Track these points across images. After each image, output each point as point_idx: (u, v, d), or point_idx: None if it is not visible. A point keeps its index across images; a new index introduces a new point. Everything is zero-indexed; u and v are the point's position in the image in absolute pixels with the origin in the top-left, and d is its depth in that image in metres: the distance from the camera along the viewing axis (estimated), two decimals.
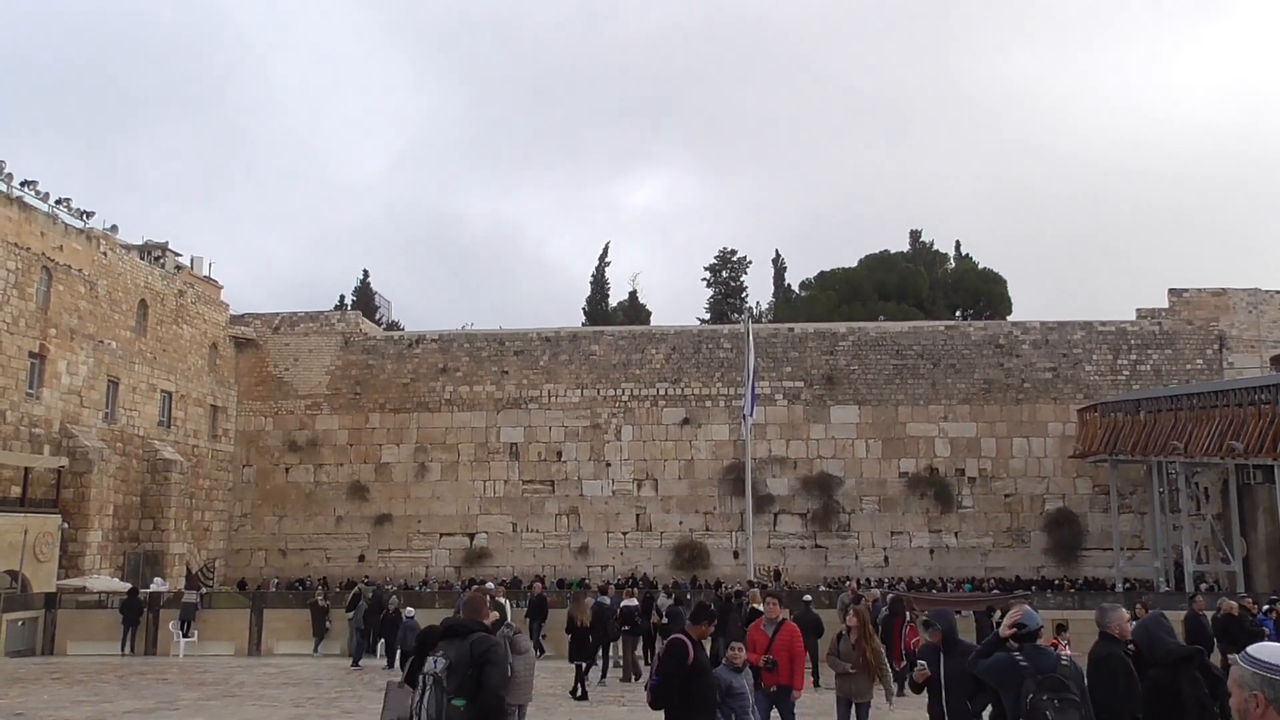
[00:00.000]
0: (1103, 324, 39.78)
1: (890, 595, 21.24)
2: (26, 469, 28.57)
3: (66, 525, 29.37)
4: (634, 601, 20.15)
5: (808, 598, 21.79)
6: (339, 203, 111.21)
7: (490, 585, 24.00)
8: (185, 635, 24.57)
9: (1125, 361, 39.18)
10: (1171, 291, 40.02)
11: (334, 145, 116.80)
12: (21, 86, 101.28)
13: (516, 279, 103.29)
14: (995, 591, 31.32)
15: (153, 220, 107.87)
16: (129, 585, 27.91)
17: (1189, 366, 38.84)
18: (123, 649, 24.51)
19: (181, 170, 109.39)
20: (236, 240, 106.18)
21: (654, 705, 7.37)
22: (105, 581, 29.38)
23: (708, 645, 22.79)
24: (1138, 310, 40.20)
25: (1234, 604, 16.86)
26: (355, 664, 21.78)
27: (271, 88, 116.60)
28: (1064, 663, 5.80)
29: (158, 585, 30.06)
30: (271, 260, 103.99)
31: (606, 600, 20.33)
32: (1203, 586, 30.47)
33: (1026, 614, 6.20)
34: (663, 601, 22.52)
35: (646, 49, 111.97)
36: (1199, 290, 39.88)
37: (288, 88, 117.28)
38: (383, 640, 22.29)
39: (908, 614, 17.92)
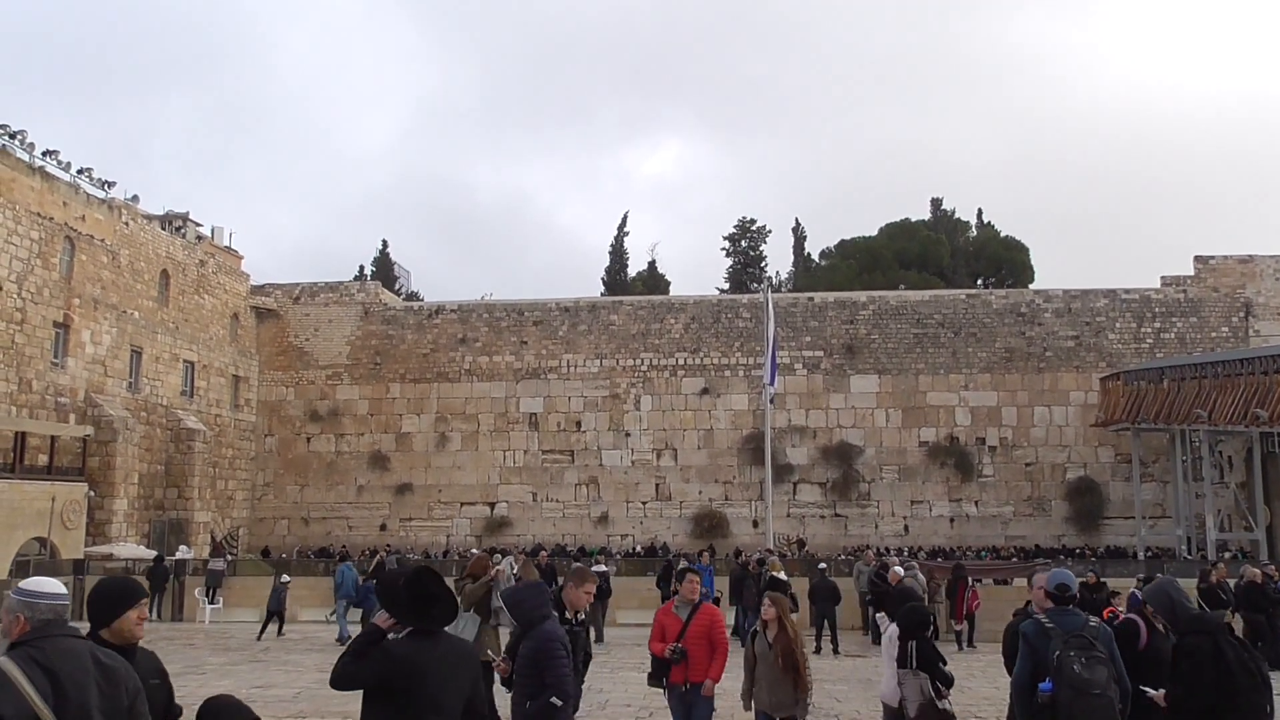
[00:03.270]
0: (1127, 292, 39.33)
1: (954, 563, 22.99)
2: (53, 437, 28.94)
3: (93, 493, 29.78)
4: (603, 568, 21.22)
5: (823, 565, 21.87)
6: (349, 173, 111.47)
7: (475, 552, 24.81)
8: (211, 602, 24.91)
9: (1149, 330, 38.77)
10: (1197, 258, 39.47)
11: (341, 115, 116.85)
12: (29, 57, 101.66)
13: (529, 248, 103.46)
14: (1013, 560, 31.32)
15: (162, 191, 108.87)
16: (155, 553, 28.28)
17: (1214, 334, 38.38)
18: (150, 615, 24.87)
19: (188, 141, 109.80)
20: (245, 210, 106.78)
21: None
22: (131, 549, 29.81)
23: (729, 618, 22.73)
24: (1162, 278, 39.70)
25: (1257, 571, 16.76)
26: None
27: (278, 57, 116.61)
28: (1092, 624, 5.77)
29: (183, 553, 30.48)
30: (282, 230, 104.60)
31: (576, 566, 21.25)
32: (1226, 555, 30.33)
33: (1068, 576, 6.16)
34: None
35: (656, 14, 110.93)
36: (1225, 257, 39.31)
37: (294, 57, 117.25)
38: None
39: (969, 579, 19.96)
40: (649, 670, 7.86)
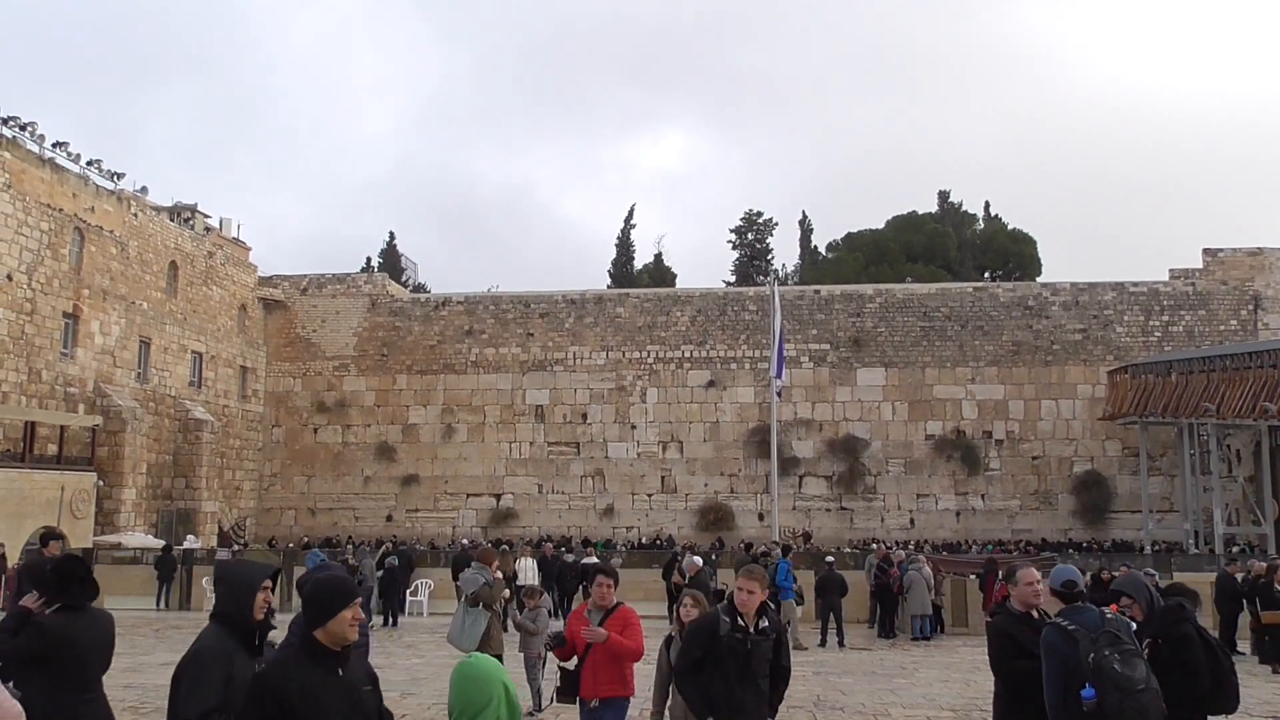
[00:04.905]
0: (1134, 285, 39.22)
1: (987, 556, 23.31)
2: (62, 427, 29.06)
3: (102, 483, 29.91)
4: (594, 559, 21.49)
5: (830, 558, 21.92)
6: (351, 165, 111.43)
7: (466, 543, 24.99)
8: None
9: (1157, 323, 38.65)
10: (1206, 251, 39.33)
11: (343, 106, 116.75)
12: (28, 45, 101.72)
13: (534, 241, 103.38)
14: (1014, 554, 31.28)
15: (163, 181, 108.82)
16: (163, 542, 28.43)
17: (1223, 328, 38.25)
18: (158, 604, 25.03)
19: (189, 131, 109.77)
20: (247, 201, 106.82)
21: None
22: (140, 538, 29.96)
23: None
24: (1171, 270, 39.57)
25: (1264, 565, 16.73)
26: (391, 622, 22.10)
27: (278, 48, 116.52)
28: (1109, 616, 5.55)
29: (191, 542, 30.62)
30: (284, 221, 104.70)
31: (570, 558, 21.40)
32: (1234, 549, 30.25)
33: (1072, 571, 5.95)
34: (689, 562, 22.77)
35: (658, 5, 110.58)
36: (1234, 250, 39.16)
37: (295, 47, 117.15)
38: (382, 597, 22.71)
39: (1000, 571, 19.99)
40: (558, 685, 6.96)
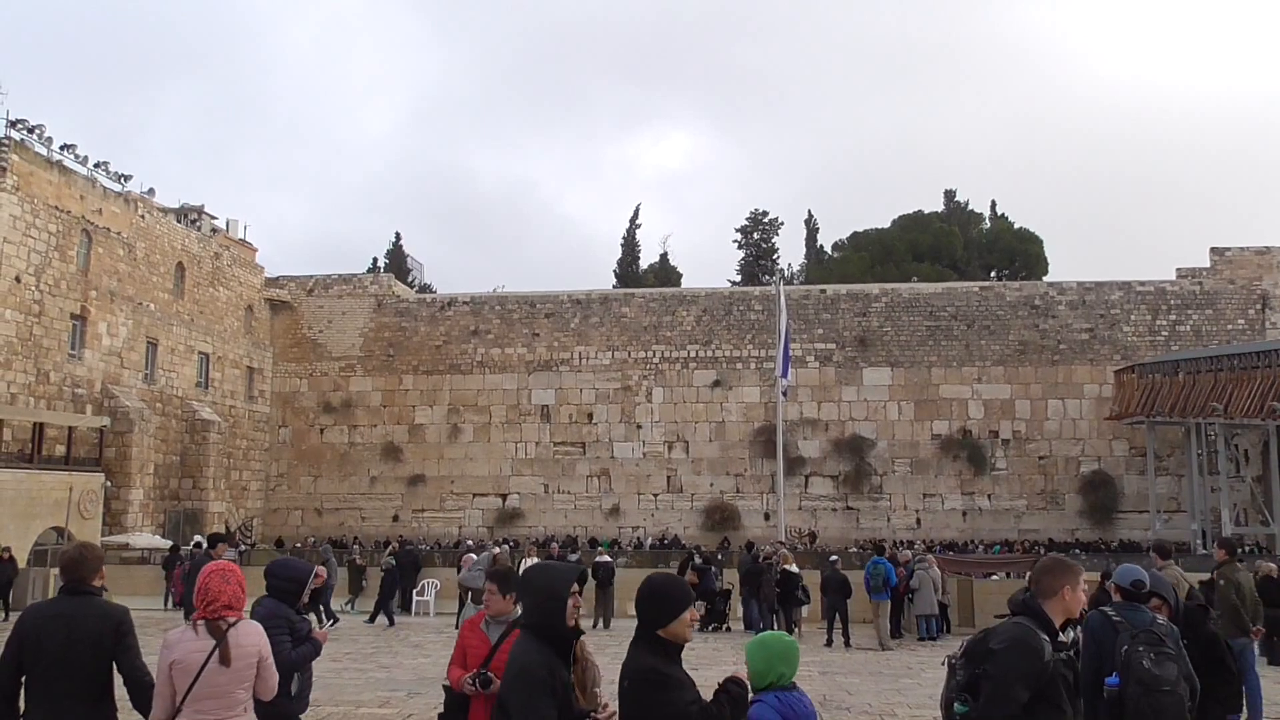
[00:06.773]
0: (1141, 284, 39.11)
1: (1033, 557, 23.24)
2: (70, 428, 29.18)
3: (109, 483, 30.01)
4: (606, 558, 21.64)
5: (834, 558, 21.90)
6: (352, 164, 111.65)
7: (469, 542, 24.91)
8: None
9: (1164, 322, 38.54)
10: (1213, 250, 39.20)
11: (344, 106, 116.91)
12: (32, 46, 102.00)
13: (539, 240, 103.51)
14: (1017, 554, 31.20)
15: (162, 181, 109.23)
16: (170, 542, 28.50)
17: (1230, 327, 38.13)
18: (165, 604, 25.06)
19: (190, 132, 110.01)
20: (248, 201, 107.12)
21: None
22: (147, 538, 30.05)
23: (739, 610, 22.60)
24: (1178, 270, 39.45)
25: (1272, 565, 16.67)
26: (390, 622, 22.13)
27: (278, 48, 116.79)
28: (1160, 621, 5.59)
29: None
30: (286, 221, 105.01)
31: (574, 557, 21.64)
32: (1242, 550, 30.13)
33: (1140, 571, 5.99)
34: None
35: (661, 3, 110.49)
36: (1242, 249, 39.02)
37: (294, 47, 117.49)
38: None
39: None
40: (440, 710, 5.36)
